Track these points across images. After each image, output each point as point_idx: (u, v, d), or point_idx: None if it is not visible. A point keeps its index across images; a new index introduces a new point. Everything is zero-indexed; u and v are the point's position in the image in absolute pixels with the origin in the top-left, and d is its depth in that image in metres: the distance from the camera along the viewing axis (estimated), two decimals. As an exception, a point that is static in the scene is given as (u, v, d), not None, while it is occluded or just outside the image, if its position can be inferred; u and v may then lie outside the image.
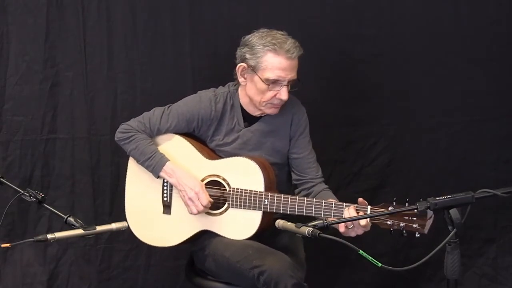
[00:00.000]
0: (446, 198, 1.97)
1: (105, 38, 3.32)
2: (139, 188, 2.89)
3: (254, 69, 2.71)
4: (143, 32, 3.34)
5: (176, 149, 2.83)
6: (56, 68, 3.32)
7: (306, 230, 2.08)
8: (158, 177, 2.80)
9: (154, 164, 2.78)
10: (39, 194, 2.37)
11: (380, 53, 3.44)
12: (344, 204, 2.56)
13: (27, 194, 2.37)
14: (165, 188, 2.84)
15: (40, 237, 2.17)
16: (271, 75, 2.68)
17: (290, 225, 2.17)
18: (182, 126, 2.83)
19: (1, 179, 2.48)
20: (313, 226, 2.09)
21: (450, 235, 1.97)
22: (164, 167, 2.77)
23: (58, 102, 3.34)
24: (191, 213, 2.74)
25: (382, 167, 3.52)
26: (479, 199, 1.99)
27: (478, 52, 3.47)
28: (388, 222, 2.44)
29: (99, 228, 2.26)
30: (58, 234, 2.18)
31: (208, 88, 2.89)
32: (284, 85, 2.69)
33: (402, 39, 3.45)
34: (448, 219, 1.97)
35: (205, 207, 2.72)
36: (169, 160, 2.78)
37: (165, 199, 2.85)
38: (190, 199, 2.72)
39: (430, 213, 2.36)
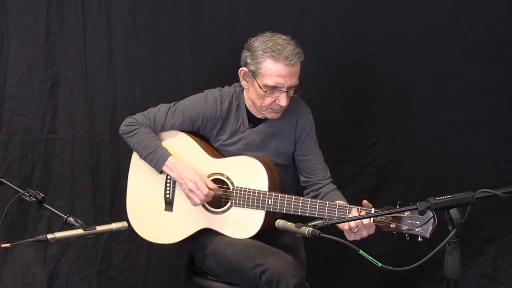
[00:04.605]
0: (446, 198, 1.98)
1: (105, 38, 3.32)
2: (141, 184, 2.89)
3: (254, 74, 2.71)
4: (143, 32, 3.34)
5: (180, 146, 2.83)
6: (56, 68, 3.32)
7: (306, 230, 2.08)
8: (161, 172, 2.80)
9: (157, 158, 2.78)
10: (39, 194, 2.37)
11: (380, 53, 3.44)
12: (348, 206, 2.56)
13: (27, 194, 2.37)
14: (167, 184, 2.84)
15: (40, 237, 2.17)
16: (269, 81, 2.67)
17: (290, 225, 2.17)
18: (187, 124, 2.83)
19: (1, 179, 2.47)
20: (313, 226, 2.09)
21: (450, 235, 1.97)
22: (166, 162, 2.77)
23: (58, 102, 3.34)
24: (194, 205, 2.74)
25: (382, 167, 3.52)
26: (479, 199, 1.99)
27: (478, 52, 3.47)
28: (391, 225, 2.44)
29: (99, 228, 2.26)
30: (58, 234, 2.18)
31: (208, 88, 2.89)
32: (283, 91, 2.69)
33: (402, 39, 3.45)
34: (448, 219, 1.98)
35: (206, 196, 2.71)
36: (171, 155, 2.78)
37: (167, 195, 2.85)
38: (190, 190, 2.72)
39: (430, 213, 2.36)
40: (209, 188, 2.72)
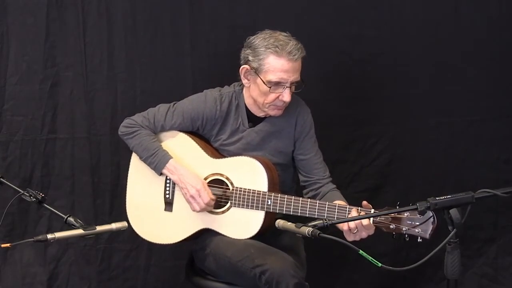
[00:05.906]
0: (446, 198, 1.98)
1: (105, 38, 3.32)
2: (141, 185, 2.89)
3: (256, 71, 2.71)
4: (143, 32, 3.34)
5: (180, 146, 2.83)
6: (56, 68, 3.32)
7: (306, 230, 2.09)
8: (160, 174, 2.80)
9: (157, 161, 2.78)
10: (39, 194, 2.37)
11: (380, 53, 3.44)
12: (348, 206, 2.56)
13: (27, 194, 2.37)
14: (167, 185, 2.84)
15: (40, 237, 2.17)
16: (273, 77, 2.68)
17: (290, 225, 2.17)
18: (187, 125, 2.83)
19: (1, 179, 2.47)
20: (313, 226, 2.09)
21: (450, 235, 1.97)
22: (167, 165, 2.77)
23: (58, 102, 3.35)
24: (193, 210, 2.74)
25: (382, 167, 3.52)
26: (479, 199, 1.99)
27: (478, 52, 3.47)
28: (391, 226, 2.44)
29: (99, 228, 2.26)
30: (58, 234, 2.18)
31: (208, 88, 2.89)
32: (287, 87, 2.69)
33: (402, 39, 3.45)
34: (448, 219, 1.98)
35: (207, 204, 2.72)
36: (172, 158, 2.78)
37: (167, 196, 2.85)
38: (191, 196, 2.72)
39: (429, 214, 2.37)
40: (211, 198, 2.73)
